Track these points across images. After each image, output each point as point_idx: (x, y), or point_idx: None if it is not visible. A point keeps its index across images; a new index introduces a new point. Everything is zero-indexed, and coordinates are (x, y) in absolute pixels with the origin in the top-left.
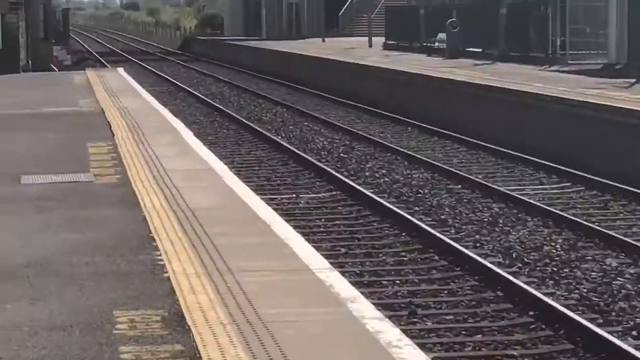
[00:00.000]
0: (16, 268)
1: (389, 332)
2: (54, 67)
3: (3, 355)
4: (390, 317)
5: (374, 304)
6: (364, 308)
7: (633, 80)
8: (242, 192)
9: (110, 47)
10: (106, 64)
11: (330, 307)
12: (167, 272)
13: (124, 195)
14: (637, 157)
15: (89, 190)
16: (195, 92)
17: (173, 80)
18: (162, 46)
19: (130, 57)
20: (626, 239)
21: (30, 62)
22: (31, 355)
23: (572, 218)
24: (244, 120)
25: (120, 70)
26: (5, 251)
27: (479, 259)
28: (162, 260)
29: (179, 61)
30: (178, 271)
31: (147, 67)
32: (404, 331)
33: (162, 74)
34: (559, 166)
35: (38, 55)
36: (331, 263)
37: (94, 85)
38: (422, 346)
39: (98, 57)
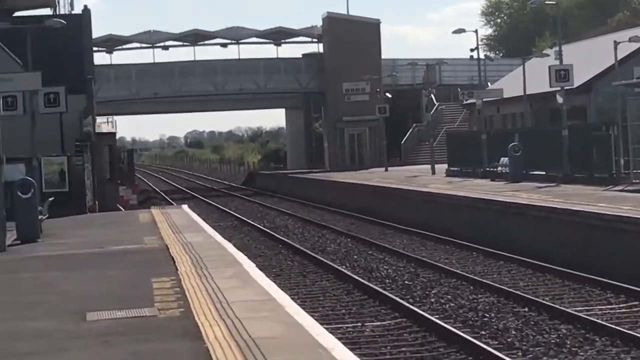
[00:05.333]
0: None
1: None
2: (121, 207)
3: None
4: None
5: None
6: None
7: None
8: (305, 322)
9: (175, 185)
10: (171, 201)
11: None
12: None
13: (187, 328)
14: None
15: (153, 324)
16: (259, 226)
17: (237, 215)
18: (226, 182)
19: (195, 194)
20: None
21: (96, 202)
22: None
23: None
24: (308, 252)
25: (185, 207)
26: None
27: None
28: None
29: (243, 196)
30: None
31: (212, 203)
32: None
33: (227, 209)
34: (626, 285)
35: (104, 196)
36: None
37: (158, 223)
38: None
39: (163, 195)
